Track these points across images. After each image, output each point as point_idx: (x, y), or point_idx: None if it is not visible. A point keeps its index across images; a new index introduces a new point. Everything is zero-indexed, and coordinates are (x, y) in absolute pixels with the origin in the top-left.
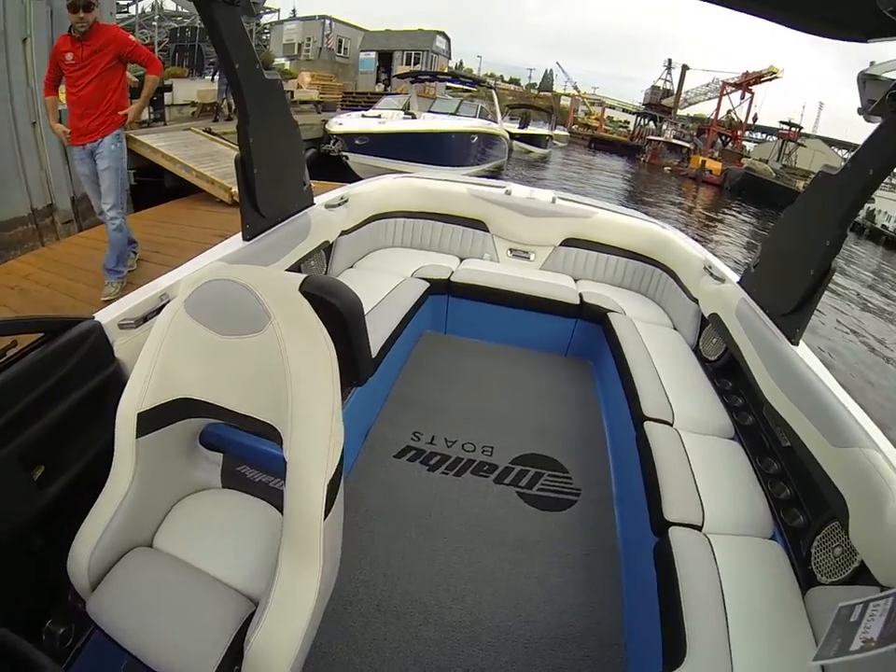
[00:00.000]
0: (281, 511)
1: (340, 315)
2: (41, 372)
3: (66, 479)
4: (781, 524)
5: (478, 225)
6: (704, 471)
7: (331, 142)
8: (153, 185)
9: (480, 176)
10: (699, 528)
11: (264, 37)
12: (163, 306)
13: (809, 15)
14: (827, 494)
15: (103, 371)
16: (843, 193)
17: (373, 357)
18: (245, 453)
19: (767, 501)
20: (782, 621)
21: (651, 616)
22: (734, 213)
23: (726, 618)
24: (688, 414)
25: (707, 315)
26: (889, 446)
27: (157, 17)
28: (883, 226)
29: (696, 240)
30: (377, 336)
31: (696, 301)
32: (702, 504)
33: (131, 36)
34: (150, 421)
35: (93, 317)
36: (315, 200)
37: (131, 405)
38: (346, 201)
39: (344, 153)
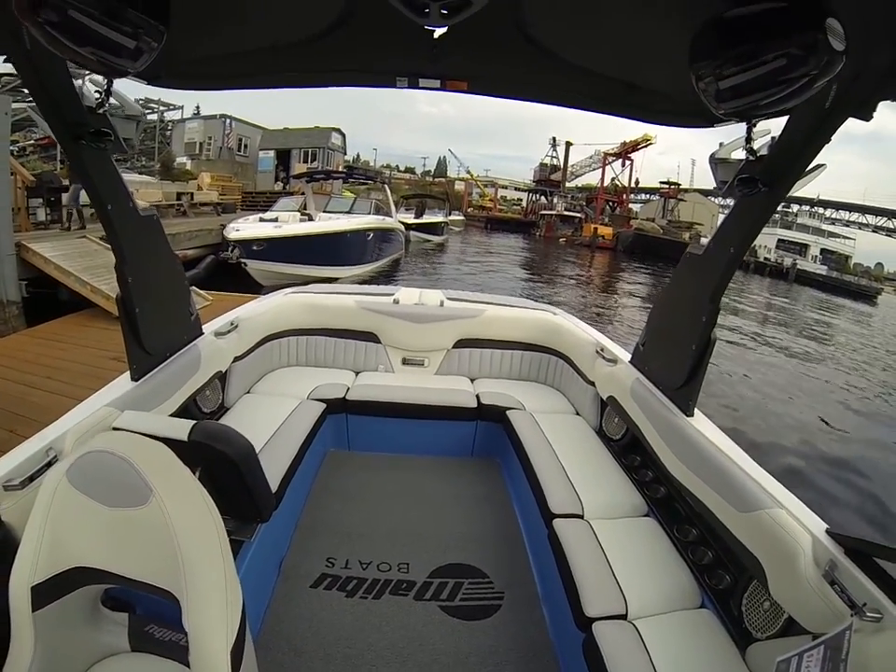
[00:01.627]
0: None
1: (233, 462)
2: None
3: None
4: (708, 588)
5: (370, 337)
6: (621, 557)
7: (229, 248)
8: (47, 297)
9: (378, 271)
10: (624, 617)
11: (167, 134)
12: (51, 461)
13: (659, 111)
14: (742, 557)
15: None
16: (710, 270)
17: (276, 488)
18: (151, 611)
19: (690, 570)
20: None
21: None
22: (629, 272)
23: None
24: (598, 502)
25: (604, 398)
26: (793, 499)
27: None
28: (765, 258)
29: (593, 311)
30: (279, 465)
31: (593, 383)
32: (622, 592)
33: None
34: (46, 593)
35: None
36: (205, 328)
37: (23, 579)
38: (236, 326)
39: (243, 260)
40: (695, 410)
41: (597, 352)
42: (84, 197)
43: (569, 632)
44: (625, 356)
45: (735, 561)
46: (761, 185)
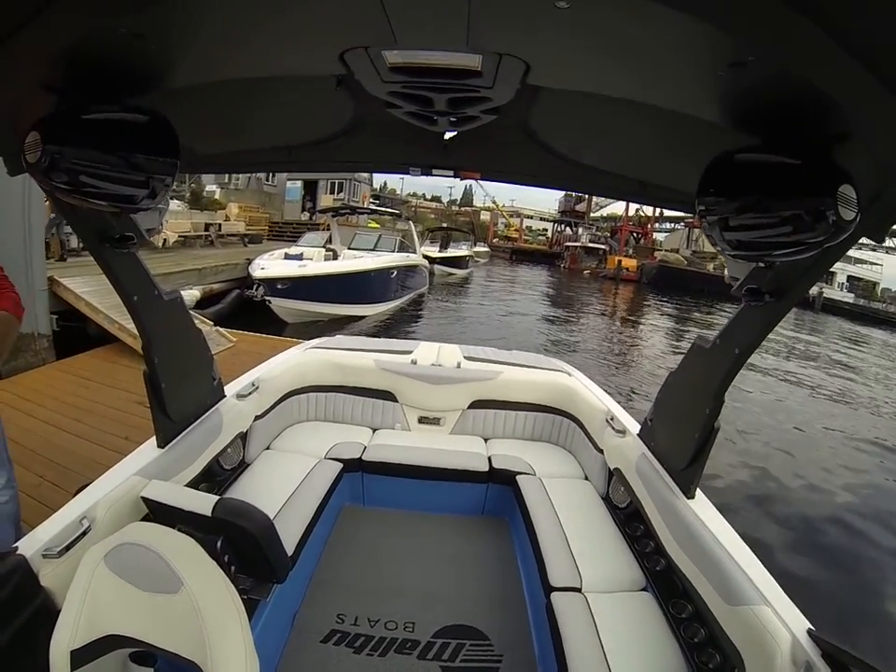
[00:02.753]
0: None
1: (252, 535)
2: None
3: None
4: (696, 667)
5: (387, 396)
6: (613, 634)
7: (254, 287)
8: (76, 330)
9: (400, 308)
10: None
11: None
12: (86, 531)
13: (674, 201)
14: (726, 648)
15: (31, 604)
16: (715, 366)
17: (293, 550)
18: (174, 667)
19: (681, 647)
20: None
21: None
22: (654, 305)
23: None
24: (597, 575)
25: (611, 469)
26: (781, 596)
27: None
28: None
29: (613, 358)
30: (296, 527)
31: (602, 451)
32: (609, 669)
33: None
34: (83, 656)
35: (16, 549)
36: (227, 389)
37: (63, 644)
38: (257, 387)
39: (267, 297)
40: (697, 492)
41: (608, 421)
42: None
43: None
44: (634, 426)
45: (723, 645)
46: (768, 296)
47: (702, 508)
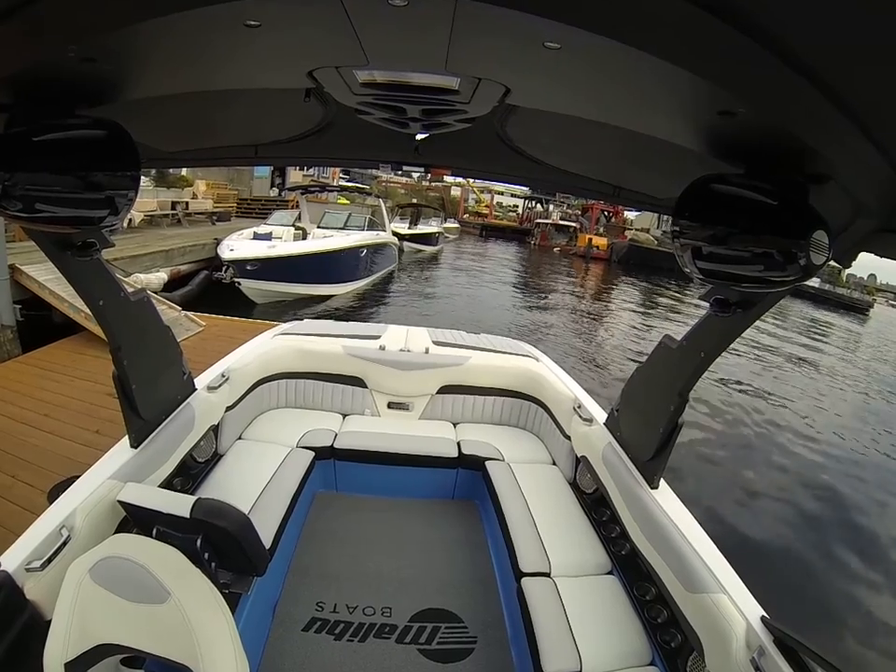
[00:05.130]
0: None
1: (230, 534)
2: None
3: None
4: (659, 647)
5: (357, 382)
6: (580, 616)
7: (223, 269)
8: (41, 319)
9: (370, 286)
10: None
11: None
12: (66, 540)
13: (649, 203)
14: (686, 632)
15: (19, 618)
16: (680, 367)
17: (270, 542)
18: (164, 668)
19: (644, 628)
20: None
21: None
22: (623, 285)
23: None
24: (565, 560)
25: (578, 456)
26: (738, 584)
27: None
28: None
29: (581, 339)
30: (272, 519)
31: (570, 437)
32: (578, 650)
33: None
34: (77, 667)
35: None
36: (197, 382)
37: (56, 657)
38: (227, 378)
39: (237, 279)
40: (661, 482)
41: (575, 409)
42: None
43: None
44: (601, 414)
45: (683, 627)
46: (735, 307)
47: (665, 498)
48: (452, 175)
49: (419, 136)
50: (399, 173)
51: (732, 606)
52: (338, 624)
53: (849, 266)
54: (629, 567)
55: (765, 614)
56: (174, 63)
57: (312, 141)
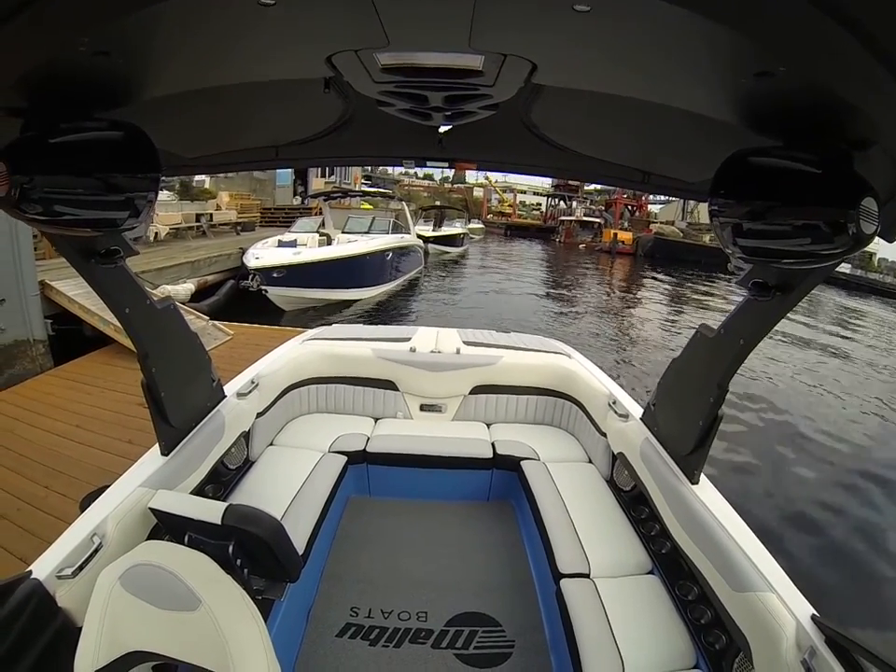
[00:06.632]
0: None
1: (263, 540)
2: None
3: None
4: (703, 649)
5: (388, 385)
6: (622, 618)
7: (249, 277)
8: (72, 332)
9: (397, 290)
10: None
11: None
12: (97, 548)
13: (678, 189)
14: (732, 632)
15: (51, 625)
16: (720, 356)
17: (303, 548)
18: None
19: (688, 629)
20: None
21: None
22: (650, 278)
23: None
24: (605, 561)
25: (615, 453)
26: (786, 581)
27: None
28: None
29: (610, 335)
30: (306, 525)
31: (605, 434)
32: (620, 654)
33: None
34: None
35: (30, 572)
36: (227, 389)
37: (86, 664)
38: (257, 384)
39: (263, 287)
40: (701, 477)
41: (610, 405)
42: None
43: None
44: (636, 410)
45: (729, 628)
46: (775, 291)
47: (706, 493)
48: (476, 169)
49: (442, 129)
50: (421, 176)
51: (780, 604)
52: (373, 630)
53: (893, 240)
54: (670, 566)
55: (816, 613)
56: (187, 52)
57: (332, 139)
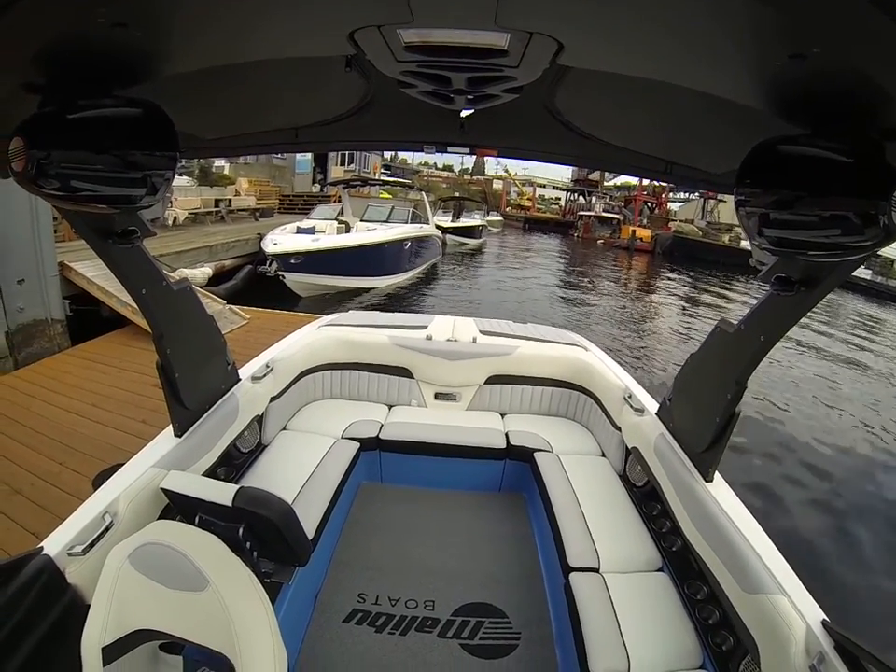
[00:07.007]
0: None
1: (273, 523)
2: (0, 619)
3: None
4: (710, 650)
5: (403, 372)
6: (630, 615)
7: (267, 262)
8: (90, 313)
9: (414, 279)
10: None
11: None
12: (108, 526)
13: (701, 181)
14: (740, 633)
15: (60, 601)
16: (739, 352)
17: (313, 533)
18: (201, 655)
19: (696, 628)
20: None
21: None
22: (668, 276)
23: None
24: (615, 556)
25: (629, 447)
26: (797, 584)
27: None
28: None
29: (628, 332)
30: (316, 509)
31: (620, 428)
32: (626, 650)
33: None
34: (114, 651)
35: (41, 549)
36: (241, 372)
37: (94, 642)
38: (272, 368)
39: (281, 273)
40: (716, 475)
41: (625, 398)
42: None
43: None
44: (652, 404)
45: (737, 629)
46: (798, 286)
47: (720, 492)
48: (498, 156)
49: (464, 113)
50: (440, 167)
51: (791, 608)
52: (379, 616)
53: None
54: (680, 564)
55: (826, 618)
56: (207, 26)
57: (353, 121)
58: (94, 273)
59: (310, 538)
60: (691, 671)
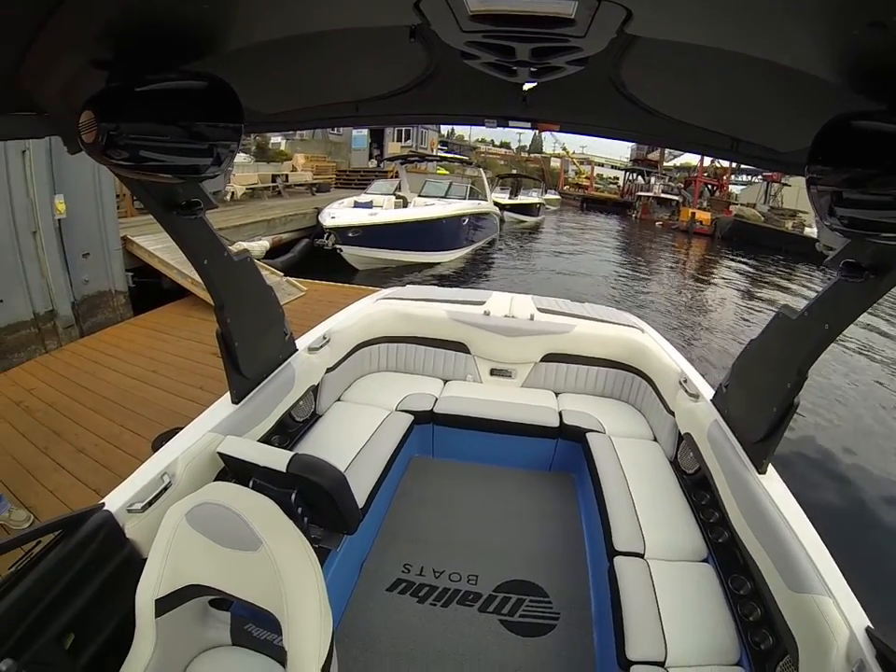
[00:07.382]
0: (285, 665)
1: (326, 490)
2: (63, 568)
3: (94, 649)
4: (748, 647)
5: (459, 347)
6: (671, 604)
7: (325, 236)
8: (151, 286)
9: (472, 255)
10: (661, 664)
11: None
12: (167, 486)
13: (769, 160)
14: (782, 632)
15: (118, 554)
16: (801, 340)
17: (364, 502)
18: (249, 612)
19: (736, 624)
20: None
21: None
22: (727, 263)
23: None
24: (660, 542)
25: (682, 433)
26: (844, 587)
27: None
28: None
29: (682, 318)
30: (368, 479)
31: (673, 413)
32: (665, 639)
33: None
34: (166, 604)
35: (103, 505)
36: (298, 343)
37: (148, 593)
38: (328, 340)
39: (338, 246)
40: (769, 467)
41: (681, 383)
42: None
43: (613, 667)
44: (708, 390)
45: (778, 629)
46: (868, 272)
47: (773, 484)
48: (559, 131)
49: (526, 86)
50: (497, 144)
51: (836, 611)
52: (422, 588)
53: None
54: (726, 557)
55: (871, 625)
56: None
57: (414, 95)
58: (155, 246)
59: (360, 507)
60: (727, 666)
